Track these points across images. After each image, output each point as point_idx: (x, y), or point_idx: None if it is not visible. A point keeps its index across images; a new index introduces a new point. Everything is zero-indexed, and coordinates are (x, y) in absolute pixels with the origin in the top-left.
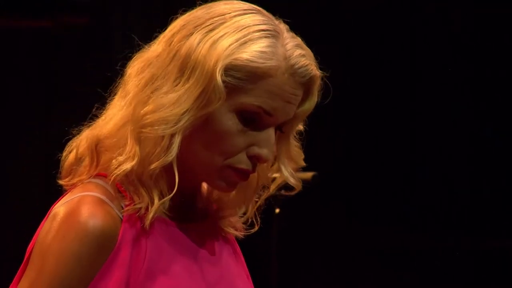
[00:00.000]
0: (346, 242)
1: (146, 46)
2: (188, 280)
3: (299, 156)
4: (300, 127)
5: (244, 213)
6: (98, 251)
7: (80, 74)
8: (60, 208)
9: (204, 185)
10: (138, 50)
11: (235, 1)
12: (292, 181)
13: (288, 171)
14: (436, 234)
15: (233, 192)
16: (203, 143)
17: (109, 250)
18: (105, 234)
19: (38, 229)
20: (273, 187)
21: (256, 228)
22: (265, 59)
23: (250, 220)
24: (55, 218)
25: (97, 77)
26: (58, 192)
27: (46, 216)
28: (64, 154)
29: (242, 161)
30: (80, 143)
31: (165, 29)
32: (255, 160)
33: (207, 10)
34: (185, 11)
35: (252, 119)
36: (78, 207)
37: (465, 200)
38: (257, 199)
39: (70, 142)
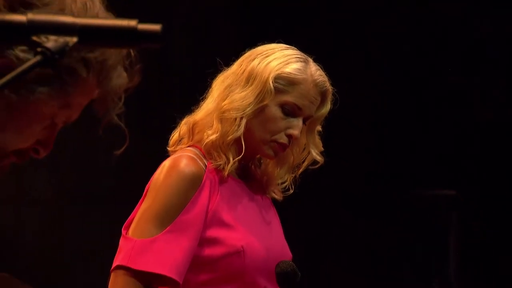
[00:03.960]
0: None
1: (225, 68)
2: (246, 215)
3: (320, 144)
4: (319, 128)
5: (283, 182)
6: (191, 186)
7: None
8: (167, 161)
9: (265, 162)
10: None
11: (280, 44)
12: (318, 158)
13: (316, 152)
14: None
15: (279, 169)
16: (259, 125)
17: (197, 186)
18: (195, 176)
19: (152, 176)
20: (304, 165)
21: (291, 191)
22: (299, 73)
23: (289, 186)
24: (164, 167)
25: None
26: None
27: (158, 169)
28: (173, 133)
29: (282, 138)
30: (182, 127)
31: (237, 60)
32: (290, 137)
33: (264, 46)
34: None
35: (289, 112)
36: (179, 160)
37: None
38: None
39: (177, 126)
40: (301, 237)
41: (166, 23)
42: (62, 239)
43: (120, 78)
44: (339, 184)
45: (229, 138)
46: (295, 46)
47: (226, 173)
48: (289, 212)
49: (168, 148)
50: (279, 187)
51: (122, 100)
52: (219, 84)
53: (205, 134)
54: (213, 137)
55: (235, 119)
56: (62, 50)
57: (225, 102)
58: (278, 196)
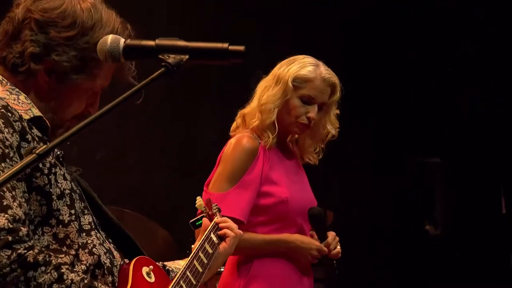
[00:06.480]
0: None
1: (264, 76)
2: (286, 175)
3: (336, 123)
4: (337, 111)
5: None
6: (251, 156)
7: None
8: (233, 139)
9: (301, 139)
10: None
11: (302, 55)
12: (333, 132)
13: (331, 128)
14: None
15: (310, 141)
16: (286, 113)
17: (254, 156)
18: (253, 149)
19: (223, 149)
20: (328, 137)
21: (321, 156)
22: (311, 73)
23: (319, 153)
24: (231, 143)
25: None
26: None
27: (226, 145)
28: (233, 123)
29: (303, 119)
30: (237, 119)
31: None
32: (309, 119)
33: (290, 58)
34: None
35: (306, 101)
36: (241, 138)
37: None
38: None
39: (236, 117)
40: (333, 188)
41: (248, 45)
42: (177, 201)
43: None
44: (356, 153)
45: (267, 122)
46: None
47: (268, 146)
48: (325, 174)
49: (230, 133)
50: (313, 154)
51: (133, 65)
52: (261, 88)
53: (251, 121)
54: (256, 123)
55: (270, 109)
56: (178, 64)
57: (262, 98)
58: (313, 160)
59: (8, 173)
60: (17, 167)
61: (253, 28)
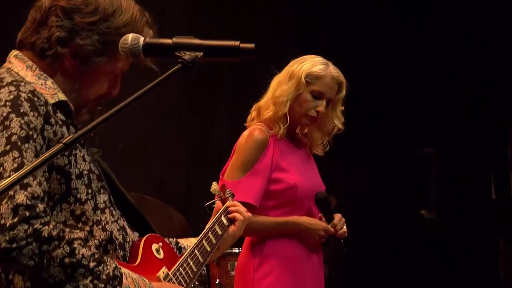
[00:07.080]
0: None
1: (277, 72)
2: (295, 163)
3: (342, 117)
4: (342, 107)
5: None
6: (262, 147)
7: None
8: (246, 132)
9: (310, 131)
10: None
11: (312, 55)
12: (340, 126)
13: (338, 122)
14: None
15: (319, 134)
16: (297, 106)
17: (265, 146)
18: (264, 140)
19: (237, 141)
20: (335, 131)
21: (327, 149)
22: (321, 71)
23: (326, 145)
24: (244, 135)
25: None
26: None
27: (240, 137)
28: (249, 116)
29: (312, 112)
30: (253, 112)
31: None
32: (317, 112)
33: (301, 57)
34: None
35: (316, 96)
36: (253, 130)
37: None
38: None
39: (252, 110)
40: (338, 177)
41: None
42: (192, 190)
43: (148, 36)
44: (358, 149)
45: (279, 113)
46: None
47: (279, 136)
48: (331, 166)
49: (246, 124)
50: (320, 146)
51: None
52: (274, 83)
53: (264, 112)
54: (270, 114)
55: (283, 102)
56: (194, 61)
57: (277, 92)
58: (320, 152)
59: (39, 160)
60: (46, 155)
61: (253, 28)
